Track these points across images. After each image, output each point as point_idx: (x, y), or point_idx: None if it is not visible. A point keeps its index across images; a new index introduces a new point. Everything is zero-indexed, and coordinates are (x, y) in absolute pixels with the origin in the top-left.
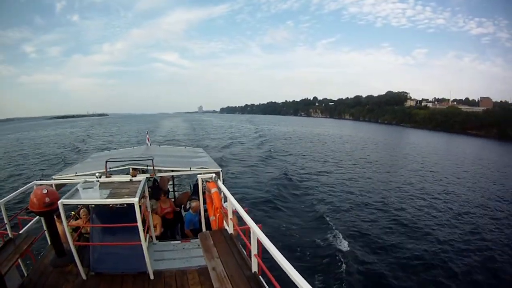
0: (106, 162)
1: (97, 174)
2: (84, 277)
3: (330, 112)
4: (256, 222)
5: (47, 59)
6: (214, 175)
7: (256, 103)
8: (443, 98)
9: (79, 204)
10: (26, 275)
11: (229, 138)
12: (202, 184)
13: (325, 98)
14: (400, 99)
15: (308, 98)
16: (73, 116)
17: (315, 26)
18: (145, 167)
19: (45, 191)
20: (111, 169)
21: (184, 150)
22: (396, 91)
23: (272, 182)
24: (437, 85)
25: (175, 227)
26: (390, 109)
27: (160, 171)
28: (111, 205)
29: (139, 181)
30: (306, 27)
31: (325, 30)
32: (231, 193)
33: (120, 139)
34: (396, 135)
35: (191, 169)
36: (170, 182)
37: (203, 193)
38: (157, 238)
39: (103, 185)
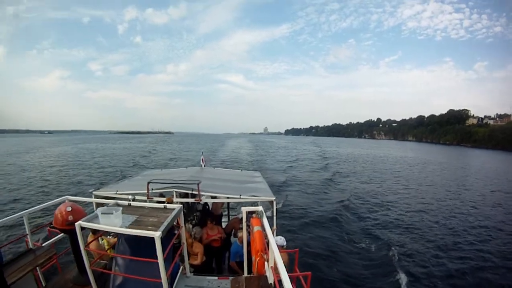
0: (148, 183)
1: (130, 198)
2: None
3: (394, 134)
4: (308, 267)
5: (112, 77)
6: (260, 210)
7: (321, 124)
8: (505, 114)
9: None
10: (44, 286)
11: (291, 161)
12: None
13: (389, 119)
14: (461, 117)
15: (372, 120)
16: (138, 133)
17: (377, 44)
18: (190, 191)
19: (69, 209)
20: (153, 191)
21: (240, 173)
22: (457, 109)
23: (333, 213)
24: (499, 100)
25: (222, 256)
26: (451, 129)
27: (205, 196)
28: None
29: (173, 209)
30: (368, 45)
31: (387, 48)
32: (275, 231)
33: (181, 156)
34: (452, 156)
35: (241, 196)
36: (225, 206)
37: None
38: (197, 268)
39: (130, 210)
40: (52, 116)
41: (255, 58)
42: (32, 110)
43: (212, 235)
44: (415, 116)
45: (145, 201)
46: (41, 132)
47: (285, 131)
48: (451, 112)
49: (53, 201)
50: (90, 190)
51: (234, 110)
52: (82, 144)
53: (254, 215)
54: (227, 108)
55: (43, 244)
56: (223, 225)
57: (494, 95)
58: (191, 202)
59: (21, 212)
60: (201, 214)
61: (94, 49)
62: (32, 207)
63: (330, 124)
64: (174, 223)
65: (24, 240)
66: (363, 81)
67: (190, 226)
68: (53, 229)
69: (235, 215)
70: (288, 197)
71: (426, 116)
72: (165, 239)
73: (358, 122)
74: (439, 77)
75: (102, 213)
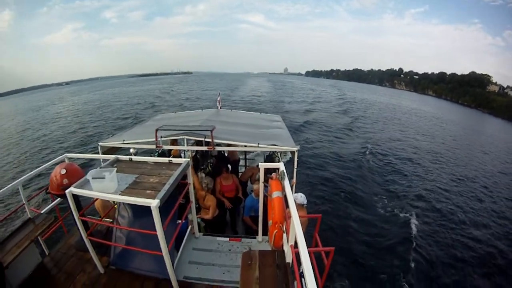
0: (157, 130)
1: (132, 151)
2: (101, 270)
3: (414, 86)
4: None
5: (129, 23)
6: (281, 170)
7: (342, 68)
8: None
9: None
10: (47, 254)
11: (311, 103)
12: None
13: (411, 71)
14: (482, 82)
15: (394, 69)
16: (156, 74)
17: None
18: (202, 138)
19: (63, 172)
20: (162, 139)
21: (259, 116)
22: (479, 73)
23: (352, 167)
24: None
25: (236, 208)
26: (471, 91)
27: (220, 144)
28: None
29: (179, 165)
30: None
31: None
32: (294, 186)
33: (199, 96)
34: (472, 120)
35: (259, 145)
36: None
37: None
38: (208, 223)
39: (131, 166)
40: (69, 68)
41: None
42: (49, 65)
43: (227, 185)
44: (437, 72)
45: (153, 150)
46: (59, 84)
47: (306, 72)
48: (472, 74)
49: (51, 161)
50: (99, 142)
51: (254, 50)
52: (93, 92)
53: (273, 174)
54: (247, 48)
55: (42, 211)
56: (241, 171)
57: None
58: (204, 150)
59: (15, 182)
60: (216, 161)
61: None
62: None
63: (351, 69)
64: (181, 180)
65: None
66: (387, 30)
67: (203, 175)
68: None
69: (253, 159)
70: (307, 141)
71: (448, 73)
72: (168, 202)
73: (379, 70)
74: (465, 37)
75: (92, 178)
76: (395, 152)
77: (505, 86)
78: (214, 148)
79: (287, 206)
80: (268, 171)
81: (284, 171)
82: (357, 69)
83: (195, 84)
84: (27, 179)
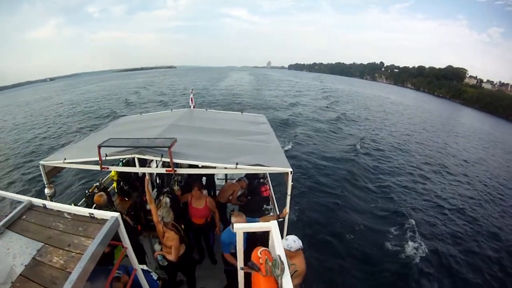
0: (99, 147)
1: (47, 192)
2: None
3: (394, 79)
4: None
5: (111, 18)
6: (276, 256)
7: (325, 62)
8: (508, 83)
9: None
10: None
11: (294, 96)
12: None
13: (392, 65)
14: (458, 75)
15: (375, 63)
16: (141, 69)
17: None
18: (158, 158)
19: None
20: (107, 158)
21: (240, 118)
22: (455, 67)
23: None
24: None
25: (206, 236)
26: (446, 84)
27: (181, 166)
28: None
29: (105, 221)
30: None
31: None
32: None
33: (176, 92)
34: (444, 108)
35: (238, 166)
36: None
37: None
38: (174, 267)
39: (39, 225)
40: (52, 63)
41: None
42: (32, 62)
43: (198, 209)
44: (417, 66)
45: (98, 171)
46: (43, 80)
47: (289, 66)
48: (449, 68)
49: None
50: (40, 161)
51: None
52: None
53: (260, 265)
54: (230, 42)
55: None
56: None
57: (507, 64)
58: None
59: None
60: (188, 176)
61: None
62: None
63: (333, 63)
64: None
65: None
66: (370, 24)
67: (167, 199)
68: None
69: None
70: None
71: (427, 67)
72: None
73: (361, 64)
74: (449, 33)
75: None
76: (382, 143)
77: (484, 80)
78: (174, 171)
79: None
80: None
81: (283, 258)
82: (339, 62)
83: (177, 78)
84: None
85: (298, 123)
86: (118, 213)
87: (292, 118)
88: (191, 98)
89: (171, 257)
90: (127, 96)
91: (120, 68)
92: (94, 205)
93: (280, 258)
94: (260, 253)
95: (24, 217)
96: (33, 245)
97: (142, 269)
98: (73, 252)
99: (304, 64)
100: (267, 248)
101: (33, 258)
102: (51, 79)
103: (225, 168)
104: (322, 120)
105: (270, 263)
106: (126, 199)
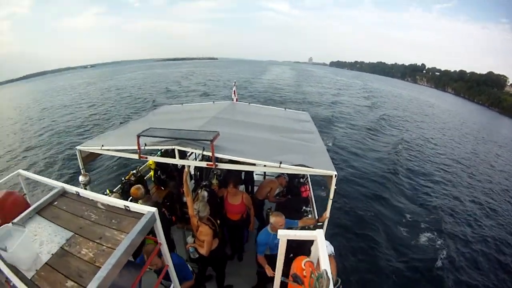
0: (138, 137)
1: (81, 180)
2: None
3: (435, 83)
4: None
5: (151, 7)
6: (323, 271)
7: (366, 60)
8: None
9: None
10: None
11: (335, 94)
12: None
13: (434, 67)
14: (499, 82)
15: (417, 64)
16: (182, 59)
17: None
18: (200, 151)
19: None
20: (146, 147)
21: (283, 114)
22: (496, 73)
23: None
24: None
25: (240, 233)
26: (486, 90)
27: (223, 160)
28: None
29: (141, 215)
30: None
31: None
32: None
33: (216, 83)
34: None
35: (281, 165)
36: None
37: None
38: (205, 261)
39: (71, 213)
40: (93, 51)
41: None
42: (73, 48)
43: (232, 205)
44: (459, 69)
45: (135, 160)
46: (84, 67)
47: (330, 63)
48: (489, 74)
49: (1, 180)
50: (77, 146)
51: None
52: (111, 77)
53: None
54: (271, 36)
55: None
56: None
57: None
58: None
59: None
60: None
61: None
62: None
63: (375, 62)
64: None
65: None
66: (412, 23)
67: (205, 193)
68: None
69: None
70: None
71: (468, 72)
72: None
73: (403, 64)
74: (492, 36)
75: None
76: (422, 147)
77: None
78: (215, 166)
79: None
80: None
81: (329, 273)
82: (381, 62)
83: (218, 69)
84: None
85: (337, 122)
86: (155, 209)
87: (332, 116)
88: (234, 91)
89: (203, 251)
90: (169, 85)
91: (161, 58)
92: (130, 197)
93: (326, 273)
94: (304, 265)
95: (56, 203)
96: (63, 233)
97: (180, 261)
98: (104, 245)
99: (345, 62)
100: (310, 259)
101: (61, 247)
102: (92, 66)
103: (268, 166)
104: (363, 120)
105: (315, 278)
106: (163, 188)
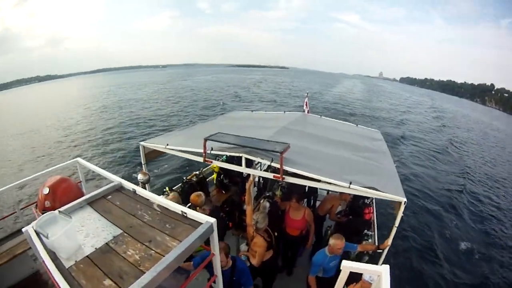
0: (205, 140)
1: (140, 178)
2: None
3: (503, 104)
4: None
5: (222, 14)
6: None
7: (436, 78)
8: None
9: None
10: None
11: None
12: None
13: (503, 88)
14: None
15: (486, 84)
16: (253, 66)
17: None
18: (268, 162)
19: (46, 191)
20: (212, 151)
21: (354, 131)
22: None
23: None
24: None
25: (298, 248)
26: None
27: (287, 172)
28: None
29: (198, 224)
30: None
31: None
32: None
33: (288, 92)
34: None
35: (351, 186)
36: None
37: None
38: (254, 271)
39: (123, 210)
40: (164, 52)
41: None
42: (146, 48)
43: (293, 221)
44: None
45: (200, 164)
46: (155, 67)
47: (400, 78)
48: None
49: (60, 165)
50: (141, 142)
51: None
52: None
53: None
54: (341, 48)
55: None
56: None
57: None
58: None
59: (11, 185)
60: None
61: None
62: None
63: (444, 80)
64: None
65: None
66: (482, 39)
67: (267, 204)
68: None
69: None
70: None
71: None
72: None
73: (472, 84)
74: None
75: (36, 231)
76: (491, 175)
77: None
78: (283, 179)
79: None
80: None
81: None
82: (450, 80)
83: (289, 78)
84: (32, 180)
85: (404, 141)
86: (214, 219)
87: (400, 135)
88: (306, 102)
89: (255, 261)
90: (239, 90)
91: (232, 63)
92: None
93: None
94: None
95: (109, 197)
96: (111, 229)
97: (244, 266)
98: (152, 249)
99: (415, 79)
100: None
101: (106, 243)
102: (163, 67)
103: (337, 185)
104: (431, 141)
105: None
106: (224, 192)
